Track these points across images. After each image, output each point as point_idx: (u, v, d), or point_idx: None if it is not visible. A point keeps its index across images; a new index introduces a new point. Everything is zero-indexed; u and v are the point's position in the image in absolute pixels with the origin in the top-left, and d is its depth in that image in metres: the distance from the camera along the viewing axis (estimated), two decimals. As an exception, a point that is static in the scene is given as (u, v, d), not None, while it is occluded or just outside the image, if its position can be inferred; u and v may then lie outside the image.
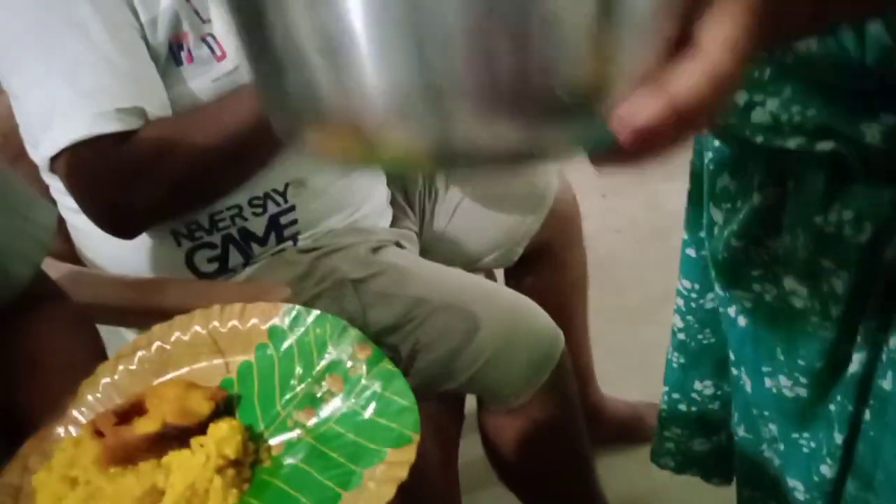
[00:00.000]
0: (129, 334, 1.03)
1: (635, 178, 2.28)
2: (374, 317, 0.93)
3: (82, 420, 0.53)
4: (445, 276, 0.99)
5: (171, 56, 0.87)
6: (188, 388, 0.48)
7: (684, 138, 0.28)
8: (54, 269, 0.79)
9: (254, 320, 0.52)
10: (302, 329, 0.50)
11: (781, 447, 0.60)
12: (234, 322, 0.53)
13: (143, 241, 0.92)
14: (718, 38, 0.25)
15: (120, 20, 0.82)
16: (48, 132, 0.80)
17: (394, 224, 1.11)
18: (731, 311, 0.60)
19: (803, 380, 0.55)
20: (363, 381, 0.47)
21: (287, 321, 0.51)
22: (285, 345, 0.51)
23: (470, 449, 1.11)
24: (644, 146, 0.26)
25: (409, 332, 0.92)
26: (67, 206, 0.93)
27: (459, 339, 0.92)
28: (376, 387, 0.47)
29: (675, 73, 0.25)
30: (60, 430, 0.54)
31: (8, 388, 0.61)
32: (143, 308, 0.87)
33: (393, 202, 1.13)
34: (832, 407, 0.55)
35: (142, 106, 0.82)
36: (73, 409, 0.54)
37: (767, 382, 0.58)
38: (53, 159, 0.81)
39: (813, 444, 0.57)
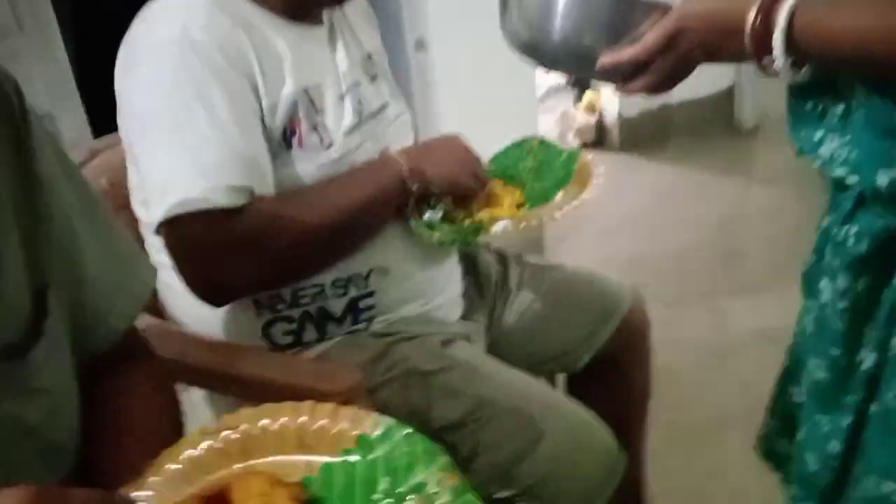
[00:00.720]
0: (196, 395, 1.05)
1: (701, 290, 2.26)
2: (438, 412, 0.93)
3: (162, 492, 0.54)
4: (513, 380, 0.99)
5: (283, 140, 0.92)
6: (273, 484, 0.49)
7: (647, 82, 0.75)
8: (141, 319, 0.82)
9: (344, 424, 0.53)
10: (391, 443, 0.51)
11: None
12: (324, 422, 0.53)
13: (227, 306, 0.95)
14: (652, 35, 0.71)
15: (244, 104, 0.87)
16: (163, 197, 0.84)
17: (464, 317, 1.12)
18: None
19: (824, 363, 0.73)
20: (445, 510, 0.47)
21: (377, 432, 0.52)
22: (371, 455, 0.51)
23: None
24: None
25: (471, 432, 0.92)
26: (161, 262, 0.97)
27: (522, 446, 0.91)
28: (458, 518, 0.47)
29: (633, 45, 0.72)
30: (136, 495, 0.55)
31: (90, 442, 0.63)
32: (222, 372, 0.89)
33: (466, 295, 1.15)
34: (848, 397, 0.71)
35: (251, 185, 0.86)
36: (153, 476, 0.55)
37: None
38: (161, 224, 0.85)
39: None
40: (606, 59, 0.74)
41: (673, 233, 2.67)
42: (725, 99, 3.62)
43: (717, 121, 3.61)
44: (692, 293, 2.25)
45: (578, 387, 1.23)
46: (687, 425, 1.66)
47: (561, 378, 1.30)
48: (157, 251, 0.95)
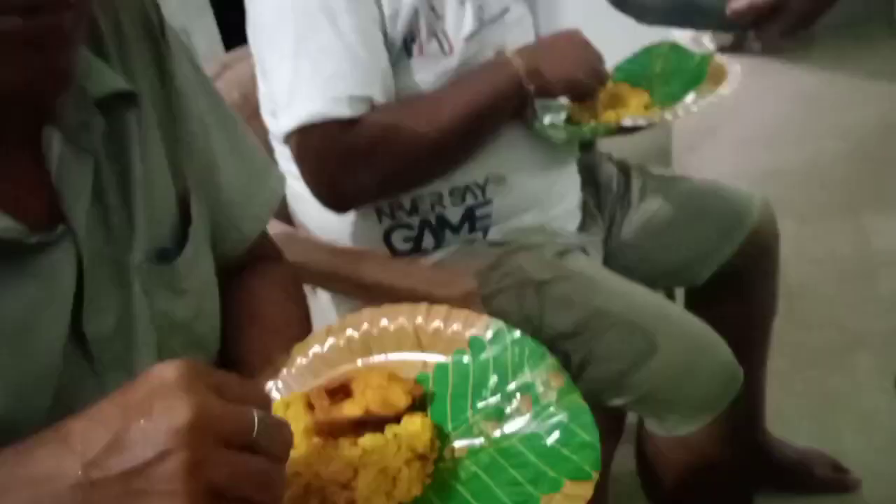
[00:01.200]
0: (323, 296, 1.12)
1: (844, 205, 2.11)
2: (551, 321, 0.94)
3: (291, 383, 0.59)
4: (629, 291, 0.98)
5: (403, 48, 0.92)
6: (391, 380, 0.52)
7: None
8: (271, 225, 0.88)
9: (457, 325, 0.55)
10: (501, 345, 0.53)
11: None
12: (439, 323, 0.56)
13: (351, 213, 1.00)
14: None
15: (366, 13, 0.88)
16: (289, 108, 0.88)
17: (581, 229, 1.12)
18: None
19: None
20: (552, 409, 0.49)
21: (489, 334, 0.54)
22: (483, 356, 0.53)
23: (622, 461, 1.10)
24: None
25: (584, 342, 0.93)
26: (289, 170, 1.02)
27: (634, 357, 0.91)
28: (563, 417, 0.49)
29: None
30: (271, 385, 0.60)
31: (229, 339, 0.69)
32: (345, 276, 0.94)
33: (584, 207, 1.14)
34: None
35: (370, 94, 0.88)
36: (285, 368, 0.60)
37: None
38: (288, 133, 0.89)
39: None
40: (738, 3, 0.68)
41: (816, 143, 2.48)
42: (885, -8, 3.25)
43: (874, 17, 3.26)
44: (833, 208, 2.11)
45: (698, 303, 1.20)
46: (817, 345, 1.60)
47: (680, 292, 1.28)
48: (286, 160, 1.00)
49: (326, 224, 1.03)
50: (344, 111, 0.86)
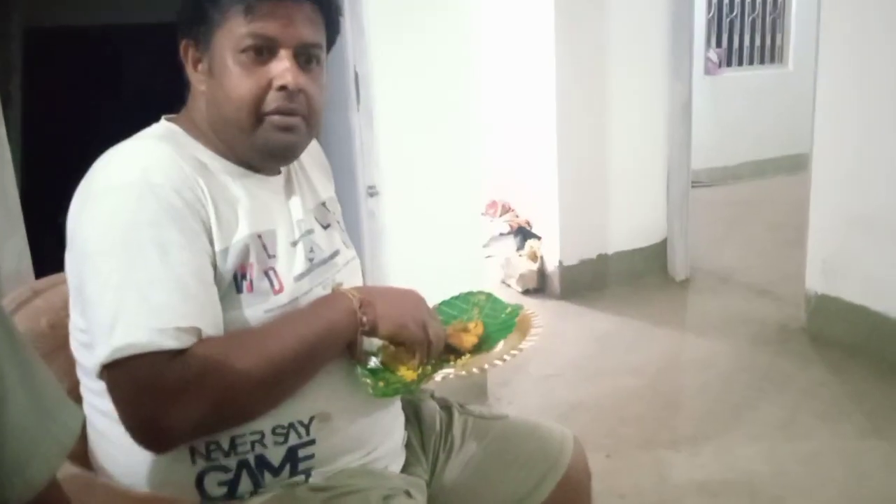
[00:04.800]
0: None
1: (641, 439, 2.26)
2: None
3: None
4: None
5: (233, 283, 0.93)
6: None
7: None
8: (66, 467, 0.78)
9: None
10: None
11: None
12: None
13: (161, 456, 0.92)
14: None
15: (198, 247, 0.89)
16: (110, 338, 0.83)
17: (405, 469, 1.10)
18: None
19: None
20: None
21: None
22: None
23: None
24: None
25: None
26: (97, 406, 0.94)
27: None
28: None
29: None
30: None
31: None
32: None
33: (408, 446, 1.13)
34: None
35: (199, 326, 0.86)
36: None
37: None
38: (105, 365, 0.84)
39: None
40: None
41: (612, 379, 2.71)
42: (659, 251, 3.81)
43: (652, 272, 3.78)
44: (632, 442, 2.26)
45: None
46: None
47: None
48: (96, 395, 0.92)
49: (132, 466, 0.94)
50: (170, 342, 0.83)
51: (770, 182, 5.94)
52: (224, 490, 0.95)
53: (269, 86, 0.96)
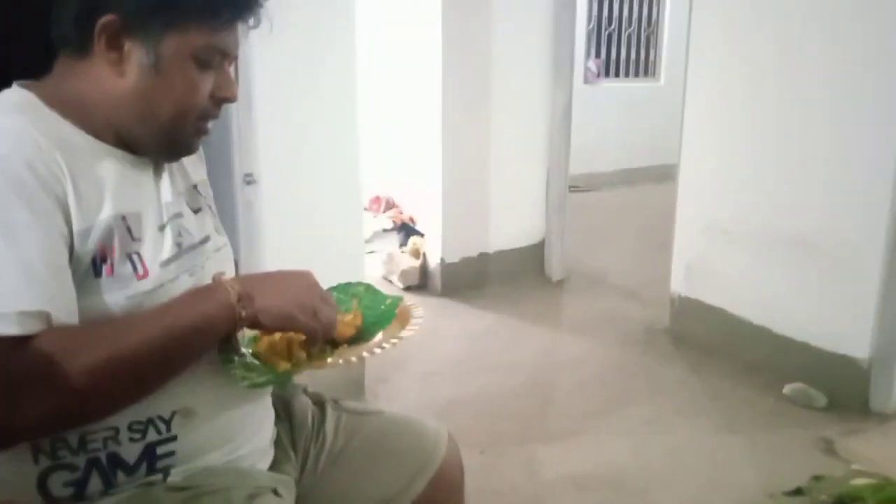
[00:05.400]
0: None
1: (516, 436, 2.30)
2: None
3: None
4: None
5: (91, 267, 0.85)
6: None
7: None
8: None
9: None
10: None
11: None
12: None
13: (-2, 454, 0.83)
14: None
15: (51, 227, 0.81)
16: None
17: (274, 467, 1.06)
18: None
19: None
20: None
21: None
22: None
23: None
24: None
25: None
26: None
27: None
28: None
29: None
30: None
31: None
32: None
33: (277, 443, 1.09)
34: None
35: (47, 311, 0.78)
36: None
37: None
38: None
39: None
40: None
41: (489, 377, 2.74)
42: (537, 252, 3.91)
43: (530, 272, 3.88)
44: (507, 439, 2.29)
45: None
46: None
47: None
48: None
49: (-38, 467, 0.84)
50: (11, 328, 0.75)
51: (641, 190, 6.25)
52: (71, 491, 0.87)
53: (211, 95, 0.95)
